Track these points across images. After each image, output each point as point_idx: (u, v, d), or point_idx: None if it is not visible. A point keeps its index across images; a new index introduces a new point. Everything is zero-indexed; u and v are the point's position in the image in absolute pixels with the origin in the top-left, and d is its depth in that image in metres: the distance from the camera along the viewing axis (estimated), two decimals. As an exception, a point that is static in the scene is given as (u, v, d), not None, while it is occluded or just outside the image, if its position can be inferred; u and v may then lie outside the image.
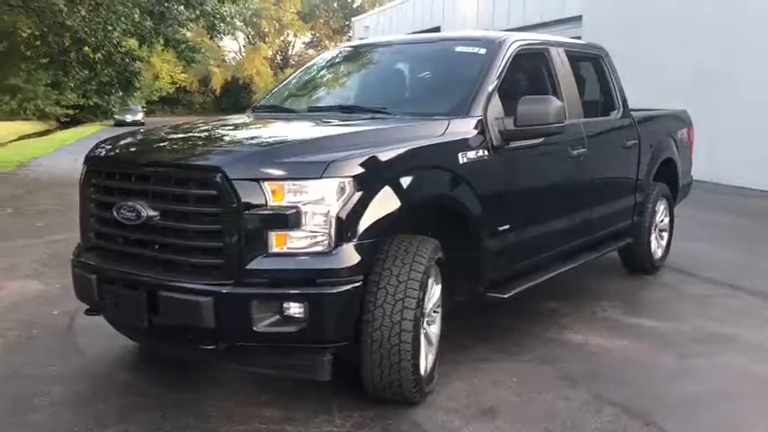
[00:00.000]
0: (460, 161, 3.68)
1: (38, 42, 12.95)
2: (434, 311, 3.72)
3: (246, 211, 3.00)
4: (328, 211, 3.05)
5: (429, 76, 4.58)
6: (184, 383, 3.73)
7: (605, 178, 5.19)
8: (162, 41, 13.21)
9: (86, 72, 13.62)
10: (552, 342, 4.45)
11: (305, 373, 3.26)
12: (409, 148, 3.44)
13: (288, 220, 3.01)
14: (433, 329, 3.71)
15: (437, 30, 23.68)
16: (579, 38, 16.76)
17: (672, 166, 6.40)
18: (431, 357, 3.65)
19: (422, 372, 3.45)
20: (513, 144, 4.06)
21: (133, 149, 3.56)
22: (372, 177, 3.18)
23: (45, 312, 4.91)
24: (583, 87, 5.31)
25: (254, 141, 3.58)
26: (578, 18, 16.89)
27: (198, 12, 12.75)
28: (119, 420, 3.31)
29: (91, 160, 3.64)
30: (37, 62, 14.33)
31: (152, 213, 3.20)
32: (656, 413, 3.45)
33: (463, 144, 3.73)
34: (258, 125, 4.04)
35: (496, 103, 4.06)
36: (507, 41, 4.37)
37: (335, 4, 61.28)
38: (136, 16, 11.50)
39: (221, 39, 16.65)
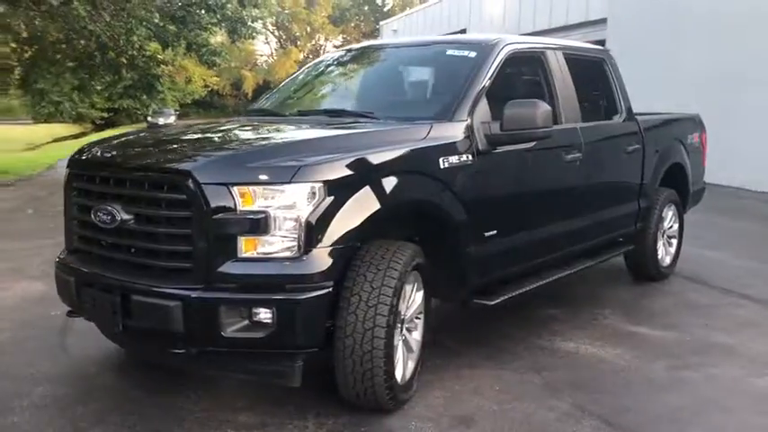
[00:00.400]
0: (441, 166, 3.64)
1: (63, 46, 13.19)
2: (416, 318, 3.68)
3: (216, 216, 3.00)
4: (298, 217, 3.03)
5: (418, 79, 4.55)
6: (166, 387, 3.74)
7: (603, 184, 5.09)
8: (184, 45, 13.37)
9: (111, 76, 13.86)
10: (543, 350, 4.37)
11: (276, 379, 3.25)
12: (385, 152, 3.40)
13: (257, 224, 3.00)
14: (415, 336, 3.67)
15: (463, 32, 23.59)
16: (604, 41, 16.61)
17: (681, 171, 6.26)
18: (411, 364, 3.61)
19: (398, 379, 3.41)
20: (501, 149, 4.00)
21: (112, 153, 3.58)
22: (344, 183, 3.16)
23: (44, 313, 4.96)
24: (583, 91, 5.22)
25: (228, 145, 3.57)
26: (603, 21, 16.68)
27: (219, 16, 12.89)
28: (94, 423, 3.33)
29: (73, 163, 3.68)
30: (64, 66, 14.57)
31: (126, 217, 3.22)
32: (637, 426, 3.37)
33: (445, 149, 3.68)
34: (241, 129, 4.04)
35: (484, 107, 4.00)
36: (498, 45, 4.31)
37: (366, 8, 61.38)
38: (156, 20, 11.65)
39: (244, 42, 16.69)
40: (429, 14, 29.75)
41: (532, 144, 4.16)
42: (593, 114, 5.30)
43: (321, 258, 3.08)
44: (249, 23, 14.12)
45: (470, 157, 3.80)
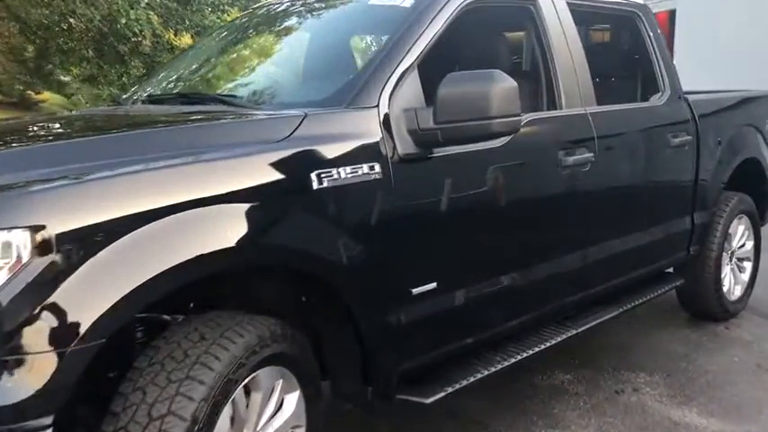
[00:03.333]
0: (315, 186, 2.12)
1: (66, 34, 12.25)
2: (291, 435, 2.23)
3: None
4: (-17, 295, 1.61)
5: (320, 47, 3.02)
6: None
7: (630, 198, 3.42)
8: (190, 27, 12.19)
9: (118, 65, 12.84)
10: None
11: None
12: (189, 167, 1.93)
13: None
14: (289, 467, 2.23)
15: None
16: (674, 11, 14.56)
17: (757, 168, 4.54)
18: None
19: None
20: (440, 152, 2.46)
21: None
22: (89, 227, 1.70)
23: None
24: (604, 62, 3.63)
25: None
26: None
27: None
28: None
29: None
30: (75, 55, 13.74)
31: None
32: None
33: (323, 157, 2.18)
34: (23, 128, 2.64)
35: (414, 86, 2.47)
36: (449, -10, 2.75)
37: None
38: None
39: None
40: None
41: (502, 142, 2.62)
42: (620, 94, 3.70)
43: (30, 375, 1.64)
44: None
45: (379, 169, 2.29)
